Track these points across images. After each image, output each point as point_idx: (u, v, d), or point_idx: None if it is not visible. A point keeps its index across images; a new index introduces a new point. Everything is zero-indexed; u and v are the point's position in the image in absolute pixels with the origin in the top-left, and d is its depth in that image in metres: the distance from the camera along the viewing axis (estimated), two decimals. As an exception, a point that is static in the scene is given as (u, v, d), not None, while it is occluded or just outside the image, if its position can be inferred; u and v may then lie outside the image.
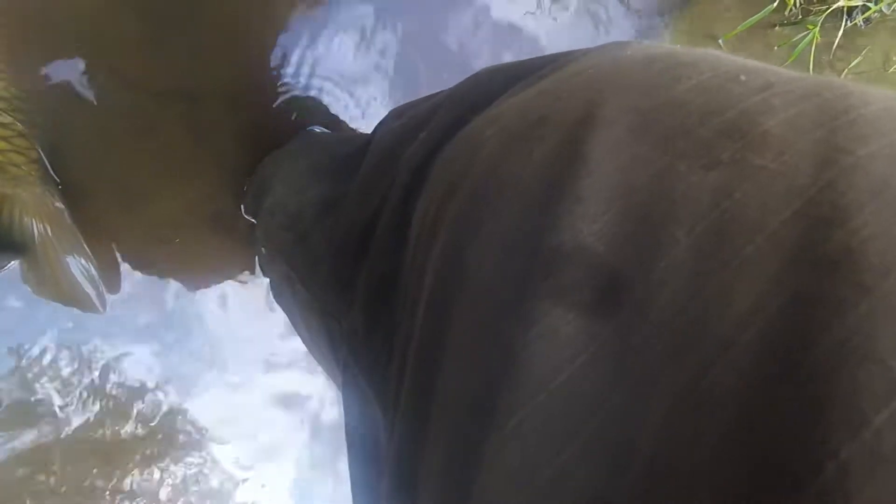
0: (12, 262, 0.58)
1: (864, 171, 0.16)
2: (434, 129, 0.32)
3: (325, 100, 0.73)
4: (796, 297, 0.15)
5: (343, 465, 0.86)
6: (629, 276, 0.18)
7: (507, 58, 0.81)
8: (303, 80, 0.71)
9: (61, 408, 0.68)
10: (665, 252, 0.17)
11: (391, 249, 0.32)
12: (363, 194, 0.37)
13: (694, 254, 0.17)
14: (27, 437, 0.67)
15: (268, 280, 0.64)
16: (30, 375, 0.66)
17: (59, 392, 0.67)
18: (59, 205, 0.59)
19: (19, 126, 0.56)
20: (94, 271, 0.61)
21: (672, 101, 0.21)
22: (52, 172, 0.60)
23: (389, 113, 0.44)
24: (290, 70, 0.70)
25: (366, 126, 0.75)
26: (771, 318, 0.15)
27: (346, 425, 0.35)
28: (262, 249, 0.55)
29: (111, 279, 0.66)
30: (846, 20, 1.01)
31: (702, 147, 0.19)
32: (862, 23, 1.02)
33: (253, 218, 0.64)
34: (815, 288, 0.15)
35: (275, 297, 0.57)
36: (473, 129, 0.28)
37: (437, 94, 0.38)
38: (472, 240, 0.23)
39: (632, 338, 0.17)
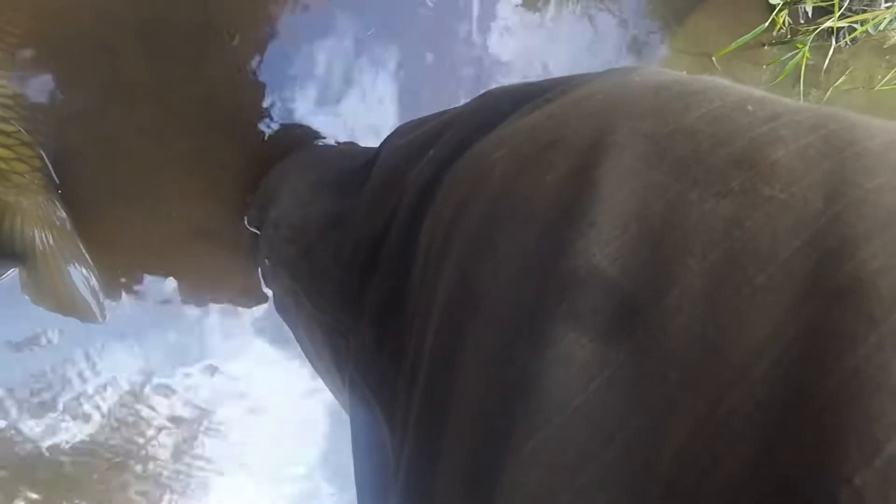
0: (12, 271, 0.58)
1: (872, 204, 0.17)
2: (442, 147, 0.33)
3: (330, 114, 0.73)
4: (809, 327, 0.16)
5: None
6: (643, 302, 0.18)
7: (499, 75, 0.82)
8: (309, 93, 0.72)
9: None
10: (678, 279, 0.18)
11: (399, 266, 0.32)
12: (371, 210, 0.37)
13: (707, 281, 0.17)
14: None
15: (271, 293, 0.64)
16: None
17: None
18: (62, 214, 0.58)
19: (23, 134, 0.56)
20: (94, 281, 0.61)
21: (683, 129, 0.21)
22: (55, 181, 0.60)
23: (395, 130, 0.44)
24: (296, 84, 0.71)
25: (368, 142, 0.75)
26: (785, 348, 0.16)
27: (353, 441, 0.35)
28: (266, 262, 0.55)
29: (112, 289, 0.65)
30: (833, 40, 1.03)
31: (713, 175, 0.19)
32: (849, 42, 1.04)
33: (257, 230, 0.64)
34: (827, 318, 0.15)
35: (278, 310, 0.57)
36: (482, 150, 0.28)
37: (444, 112, 0.38)
38: (484, 261, 0.23)
39: (646, 364, 0.17)
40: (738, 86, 0.24)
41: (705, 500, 0.15)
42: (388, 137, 0.44)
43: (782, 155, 0.19)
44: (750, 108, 0.22)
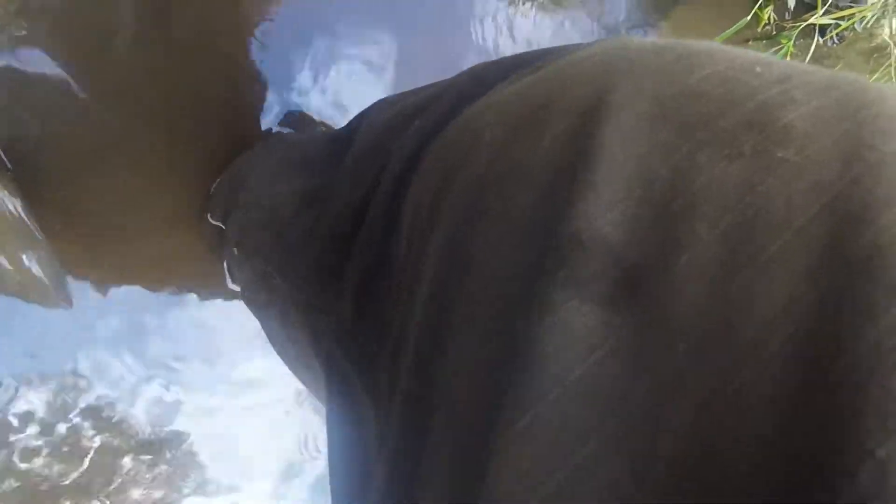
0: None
1: (890, 168, 0.16)
2: (428, 118, 0.32)
3: (297, 100, 0.71)
4: (826, 298, 0.15)
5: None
6: (649, 270, 0.17)
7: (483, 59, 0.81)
8: (276, 81, 0.69)
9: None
10: (687, 246, 0.17)
11: (382, 238, 0.31)
12: (351, 182, 0.35)
13: (718, 250, 0.16)
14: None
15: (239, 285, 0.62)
16: None
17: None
18: (14, 198, 0.56)
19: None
20: (51, 268, 0.58)
21: (689, 90, 0.20)
22: (6, 165, 0.57)
23: (376, 104, 0.43)
24: (264, 71, 0.68)
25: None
26: (801, 321, 0.15)
27: (329, 433, 0.34)
28: (234, 250, 0.53)
29: (76, 275, 0.62)
30: (818, 37, 1.03)
31: (723, 138, 0.18)
32: (835, 40, 1.05)
33: (222, 222, 0.61)
34: (845, 289, 0.15)
35: (246, 300, 0.55)
36: (470, 117, 0.27)
37: (430, 85, 0.37)
38: (476, 228, 0.22)
39: (652, 335, 0.17)
40: (744, 49, 0.23)
41: (713, 478, 0.15)
42: (367, 111, 0.43)
43: (795, 117, 0.18)
44: (759, 69, 0.21)
